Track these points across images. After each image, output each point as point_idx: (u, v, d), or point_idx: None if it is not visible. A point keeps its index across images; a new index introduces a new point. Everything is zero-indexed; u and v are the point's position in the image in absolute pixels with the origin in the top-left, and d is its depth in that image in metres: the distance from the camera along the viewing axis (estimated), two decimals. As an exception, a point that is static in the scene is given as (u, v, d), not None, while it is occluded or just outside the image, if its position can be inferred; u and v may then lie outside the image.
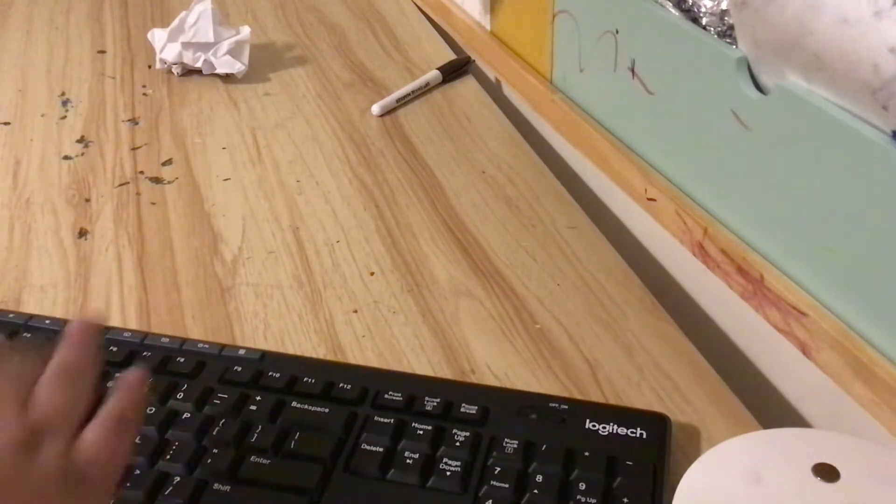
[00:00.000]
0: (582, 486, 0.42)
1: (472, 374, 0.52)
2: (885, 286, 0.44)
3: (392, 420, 0.46)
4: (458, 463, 0.43)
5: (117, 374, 0.39)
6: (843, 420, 0.49)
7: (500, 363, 0.53)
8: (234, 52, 0.85)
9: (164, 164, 0.74)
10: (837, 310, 0.47)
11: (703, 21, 0.53)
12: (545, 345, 0.54)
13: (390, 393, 0.47)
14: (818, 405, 0.52)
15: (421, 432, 0.45)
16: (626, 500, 0.41)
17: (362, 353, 0.54)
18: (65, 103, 0.84)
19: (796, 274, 0.50)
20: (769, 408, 0.54)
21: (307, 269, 0.61)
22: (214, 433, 0.45)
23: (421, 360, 0.53)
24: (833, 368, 0.47)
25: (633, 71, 0.61)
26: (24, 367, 0.36)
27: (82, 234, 0.65)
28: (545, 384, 0.51)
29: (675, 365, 0.52)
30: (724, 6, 0.51)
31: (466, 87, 0.85)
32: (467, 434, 0.45)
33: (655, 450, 0.44)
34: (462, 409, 0.46)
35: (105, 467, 0.35)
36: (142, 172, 0.73)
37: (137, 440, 0.45)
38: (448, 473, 0.43)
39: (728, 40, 0.51)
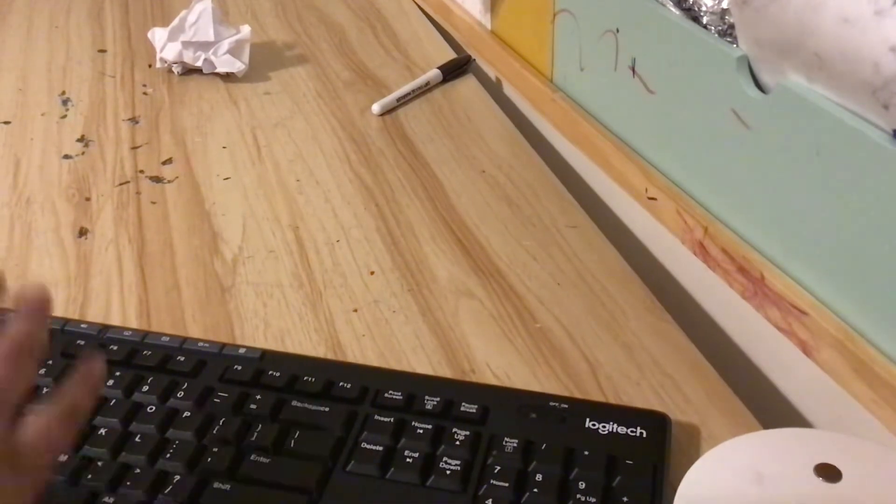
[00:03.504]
0: (582, 486, 0.42)
1: (472, 373, 0.52)
2: (886, 286, 0.44)
3: (392, 419, 0.46)
4: (458, 462, 0.43)
5: (77, 363, 0.38)
6: (843, 420, 0.49)
7: (500, 362, 0.53)
8: (234, 51, 0.85)
9: (164, 163, 0.74)
10: (838, 309, 0.47)
11: (704, 20, 0.53)
12: (545, 344, 0.54)
13: (390, 392, 0.47)
14: (818, 405, 0.52)
15: (421, 431, 0.45)
16: (625, 499, 0.41)
17: (362, 352, 0.54)
18: (65, 102, 0.84)
19: (797, 273, 0.50)
20: (769, 407, 0.54)
21: (307, 269, 0.61)
22: (214, 432, 0.45)
23: (421, 359, 0.53)
24: (834, 368, 0.47)
25: (633, 70, 0.61)
26: None
27: (82, 233, 0.65)
28: (545, 383, 0.51)
29: (675, 364, 0.52)
30: (724, 5, 0.51)
31: (467, 86, 0.85)
32: (467, 433, 0.45)
33: (655, 449, 0.44)
34: (462, 408, 0.46)
35: (43, 455, 0.35)
36: (142, 171, 0.73)
37: (138, 439, 0.45)
38: (448, 472, 0.43)
39: (729, 39, 0.51)
